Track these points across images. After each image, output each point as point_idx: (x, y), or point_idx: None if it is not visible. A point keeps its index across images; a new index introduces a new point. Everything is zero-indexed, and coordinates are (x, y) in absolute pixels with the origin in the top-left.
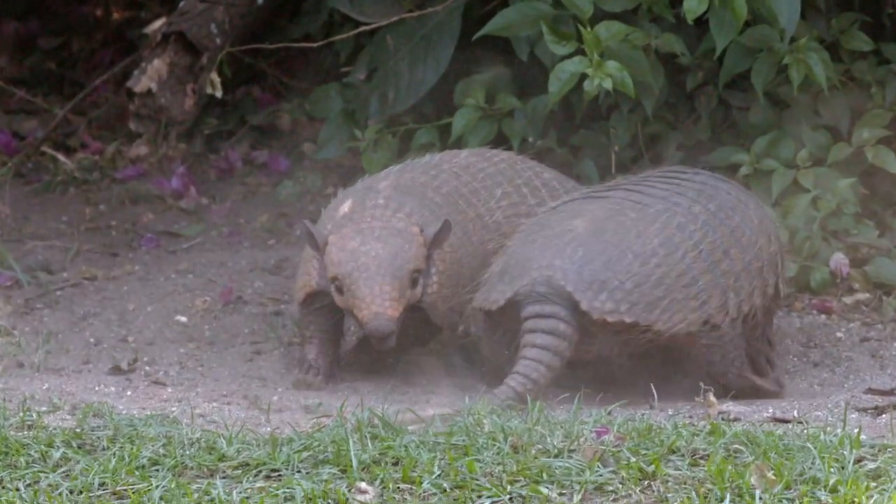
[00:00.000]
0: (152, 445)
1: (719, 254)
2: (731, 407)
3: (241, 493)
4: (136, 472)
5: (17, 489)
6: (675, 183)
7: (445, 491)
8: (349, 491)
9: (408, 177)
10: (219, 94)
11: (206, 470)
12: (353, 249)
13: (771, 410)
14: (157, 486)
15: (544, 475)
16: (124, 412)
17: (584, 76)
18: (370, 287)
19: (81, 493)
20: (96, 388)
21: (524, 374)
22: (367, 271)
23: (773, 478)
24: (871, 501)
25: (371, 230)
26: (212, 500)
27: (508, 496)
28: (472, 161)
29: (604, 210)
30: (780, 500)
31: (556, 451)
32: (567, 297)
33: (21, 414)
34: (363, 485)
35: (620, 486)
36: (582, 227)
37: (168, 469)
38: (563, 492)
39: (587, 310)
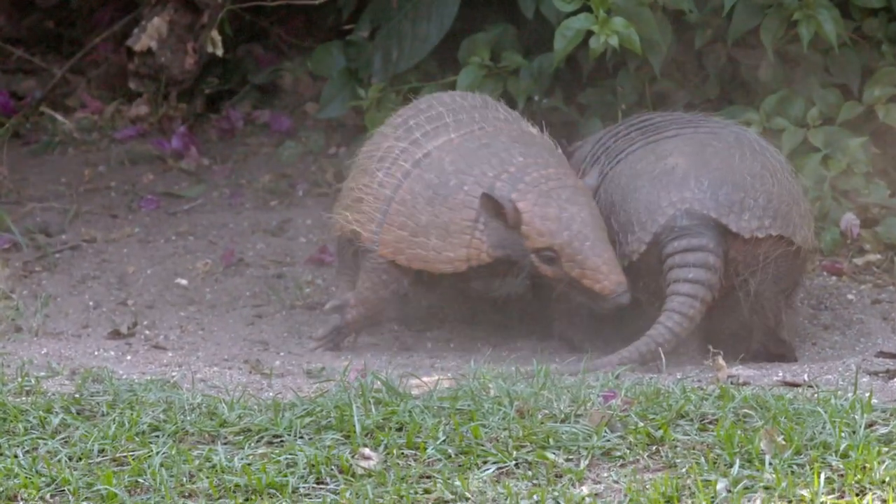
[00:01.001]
0: (152, 411)
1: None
2: (741, 370)
3: (242, 459)
4: (136, 439)
5: (16, 456)
6: (703, 122)
7: (450, 457)
8: (352, 457)
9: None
10: (220, 52)
11: (207, 436)
12: (559, 217)
13: (781, 374)
14: (157, 453)
15: (551, 440)
16: (124, 377)
17: (590, 33)
18: (599, 255)
19: (81, 459)
20: (95, 353)
21: (680, 311)
22: (588, 239)
23: (783, 443)
24: (883, 467)
25: (559, 192)
26: (213, 466)
27: (514, 462)
28: None
29: (689, 146)
30: (790, 466)
31: (562, 415)
32: (712, 223)
33: (19, 379)
34: (367, 451)
35: (628, 451)
36: (684, 163)
37: (168, 435)
38: (570, 457)
39: (737, 231)
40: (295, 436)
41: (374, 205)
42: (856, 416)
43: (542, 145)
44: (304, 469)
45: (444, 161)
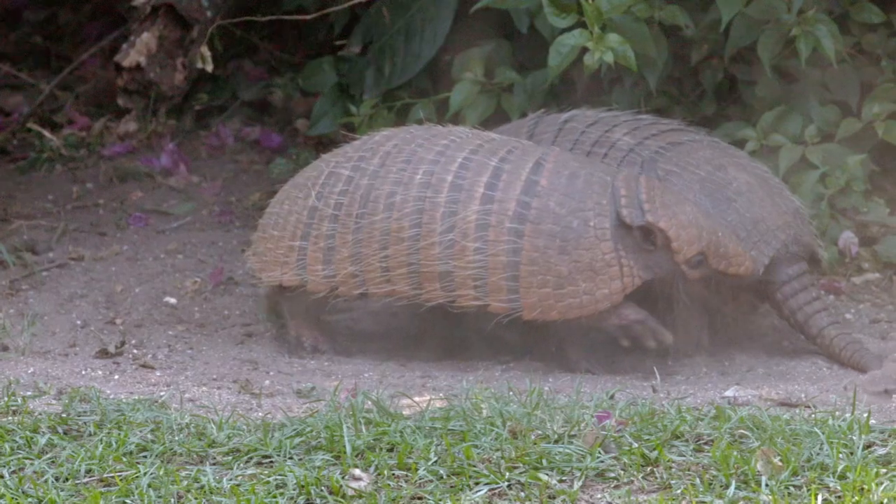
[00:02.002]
0: (140, 431)
1: None
2: (736, 392)
3: (231, 479)
4: (124, 459)
5: (2, 476)
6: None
7: (442, 478)
8: (343, 478)
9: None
10: (209, 68)
11: (195, 456)
12: (692, 221)
13: (776, 394)
14: (145, 473)
15: (544, 461)
16: (112, 397)
17: (584, 49)
18: (732, 240)
19: (67, 480)
20: (83, 372)
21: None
22: (717, 229)
23: (780, 464)
24: (881, 488)
25: (668, 197)
26: (201, 487)
27: (507, 483)
28: None
29: (729, 159)
30: (786, 487)
31: (556, 436)
32: (811, 251)
33: (6, 399)
34: (357, 471)
35: (622, 472)
36: (746, 181)
37: (156, 455)
38: (564, 478)
39: (822, 259)
40: (285, 456)
41: (501, 275)
42: (854, 437)
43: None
44: (294, 490)
45: (549, 205)
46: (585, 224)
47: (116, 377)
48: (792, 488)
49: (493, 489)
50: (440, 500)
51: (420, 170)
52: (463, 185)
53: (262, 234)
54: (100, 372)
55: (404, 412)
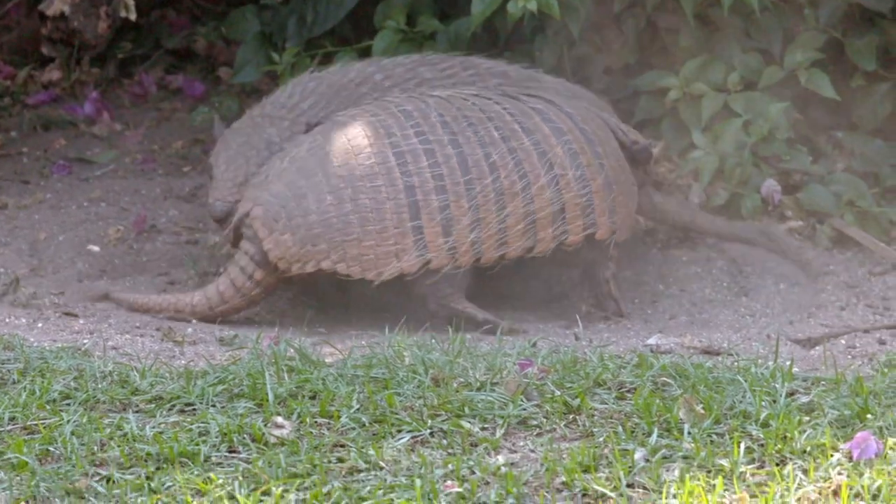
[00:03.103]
0: (63, 379)
1: None
2: (659, 340)
3: (154, 427)
4: (47, 407)
5: None
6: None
7: (364, 425)
8: (265, 425)
9: None
10: (133, 16)
11: (118, 404)
12: None
13: (699, 342)
14: (68, 421)
15: (466, 409)
16: (35, 344)
17: None
18: None
19: None
20: (6, 320)
21: None
22: None
23: (703, 412)
24: (804, 436)
25: None
26: (124, 434)
27: (429, 430)
28: None
29: None
30: (709, 435)
31: (478, 384)
32: None
33: None
34: (279, 419)
35: (545, 419)
36: None
37: (80, 403)
38: (486, 426)
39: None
40: (207, 404)
41: (604, 195)
42: (776, 385)
43: None
44: (217, 437)
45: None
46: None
47: (40, 325)
48: (714, 436)
49: (415, 437)
50: (362, 447)
51: (492, 126)
52: (530, 128)
53: (348, 237)
54: (23, 320)
55: (326, 360)
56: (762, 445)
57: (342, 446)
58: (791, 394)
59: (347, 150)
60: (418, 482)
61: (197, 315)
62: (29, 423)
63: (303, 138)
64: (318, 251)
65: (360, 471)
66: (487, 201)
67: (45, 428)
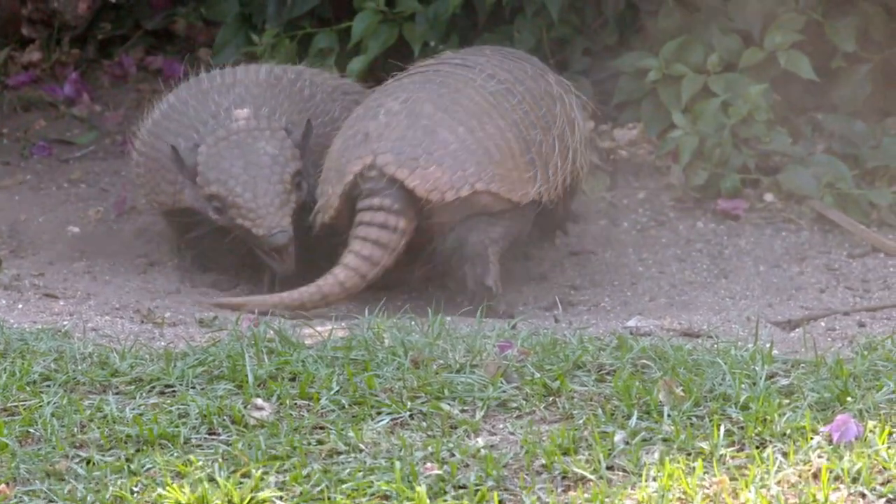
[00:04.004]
0: (44, 360)
1: None
2: (639, 322)
3: (134, 409)
4: (28, 388)
5: None
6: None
7: (344, 407)
8: (245, 407)
9: None
10: None
11: (98, 385)
12: None
13: (679, 324)
14: (48, 403)
15: (446, 391)
16: (15, 326)
17: None
18: None
19: None
20: None
21: (353, 267)
22: None
23: (682, 394)
24: (784, 419)
25: None
26: (104, 416)
27: (409, 413)
28: None
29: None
30: (689, 418)
31: (457, 366)
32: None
33: None
34: (259, 401)
35: (524, 402)
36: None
37: (60, 385)
38: (466, 408)
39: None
40: (187, 386)
41: None
42: (756, 368)
43: None
44: (196, 419)
45: None
46: None
47: (20, 306)
48: (694, 419)
49: (395, 419)
50: (342, 429)
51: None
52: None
53: (492, 158)
54: (3, 301)
55: (306, 342)
56: (742, 428)
57: (322, 428)
58: (771, 376)
59: (452, 93)
60: (398, 464)
61: (349, 290)
62: (9, 404)
63: (378, 102)
64: (469, 174)
65: (339, 453)
66: (563, 132)
67: (25, 409)
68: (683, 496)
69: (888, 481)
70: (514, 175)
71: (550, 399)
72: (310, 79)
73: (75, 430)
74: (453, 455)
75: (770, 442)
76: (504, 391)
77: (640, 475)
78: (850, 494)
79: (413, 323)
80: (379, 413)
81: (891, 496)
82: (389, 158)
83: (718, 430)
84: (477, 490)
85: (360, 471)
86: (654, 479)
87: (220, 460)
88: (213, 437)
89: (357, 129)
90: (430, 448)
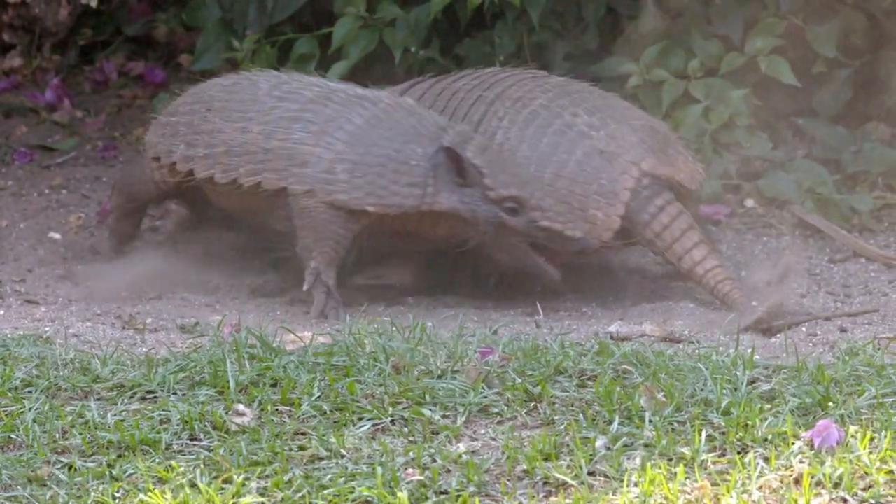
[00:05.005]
0: (25, 366)
1: None
2: (620, 327)
3: (115, 415)
4: (9, 394)
5: None
6: None
7: (325, 413)
8: (226, 413)
9: None
10: (94, 3)
11: (80, 391)
12: None
13: (660, 329)
14: (30, 409)
15: (427, 397)
16: None
17: None
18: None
19: None
20: None
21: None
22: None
23: (664, 399)
24: (765, 424)
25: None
26: (86, 422)
27: (390, 418)
28: None
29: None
30: (670, 423)
31: (439, 371)
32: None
33: None
34: (241, 407)
35: (506, 407)
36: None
37: (41, 391)
38: (447, 414)
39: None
40: (168, 392)
41: None
42: (737, 373)
43: None
44: (178, 425)
45: None
46: None
47: (1, 312)
48: (676, 424)
49: (376, 424)
50: (324, 435)
51: None
52: None
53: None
54: None
55: (287, 347)
56: (723, 433)
57: (303, 434)
58: (752, 382)
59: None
60: (379, 470)
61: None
62: None
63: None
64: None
65: (321, 458)
66: None
67: (6, 415)
68: (665, 501)
69: (870, 486)
70: None
71: (532, 404)
72: None
73: (57, 435)
74: (435, 461)
75: (751, 447)
76: (485, 397)
77: (622, 481)
78: (832, 500)
79: (394, 328)
80: (360, 419)
81: (872, 501)
82: (652, 161)
83: (700, 435)
84: (458, 496)
85: (341, 476)
86: (636, 485)
87: (202, 466)
88: (195, 442)
89: (580, 149)
90: (411, 454)
